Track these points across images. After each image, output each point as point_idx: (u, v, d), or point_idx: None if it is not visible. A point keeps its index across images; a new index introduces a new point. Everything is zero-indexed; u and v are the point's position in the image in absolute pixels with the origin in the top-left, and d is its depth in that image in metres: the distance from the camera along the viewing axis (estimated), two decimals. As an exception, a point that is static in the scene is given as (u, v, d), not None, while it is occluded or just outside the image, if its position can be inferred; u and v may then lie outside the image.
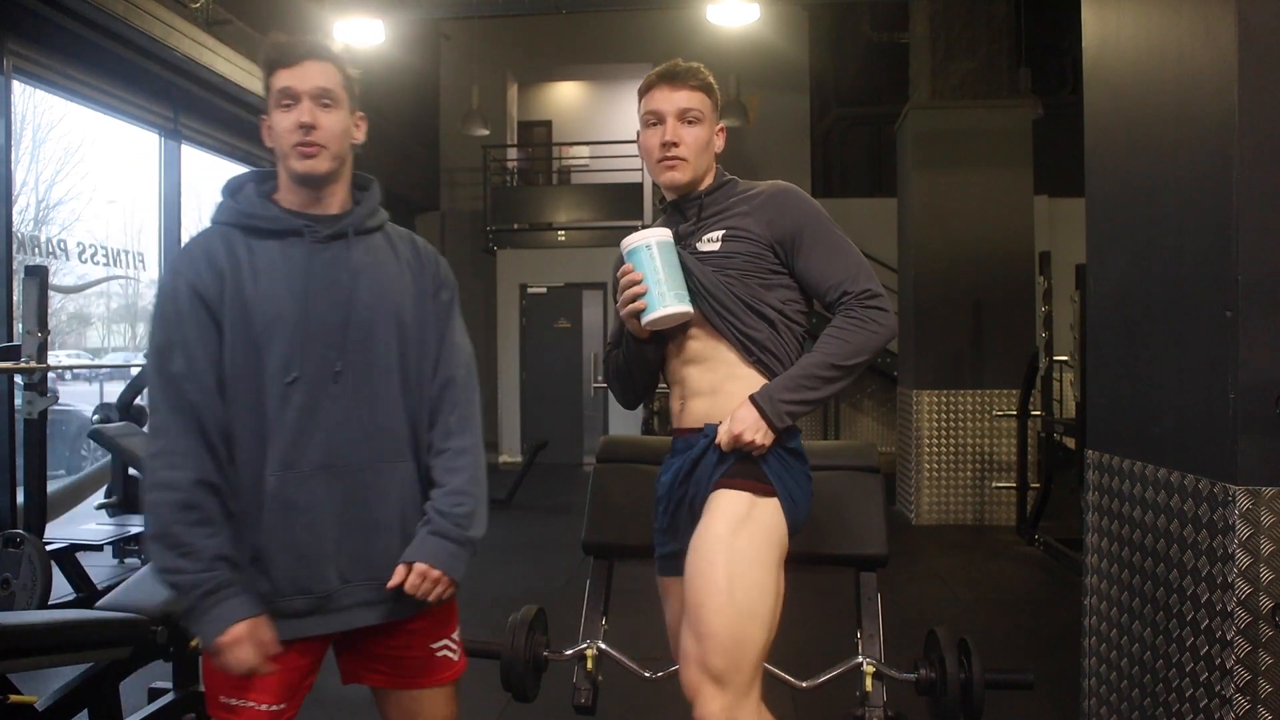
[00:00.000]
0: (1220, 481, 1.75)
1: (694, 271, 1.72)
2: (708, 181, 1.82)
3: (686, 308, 1.69)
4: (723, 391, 1.72)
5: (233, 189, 1.56)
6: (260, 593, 1.43)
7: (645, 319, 1.69)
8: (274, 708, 1.46)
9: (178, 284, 1.45)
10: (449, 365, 1.60)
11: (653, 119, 1.75)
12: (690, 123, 1.74)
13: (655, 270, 1.68)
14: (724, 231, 1.74)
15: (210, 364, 1.43)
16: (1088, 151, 2.39)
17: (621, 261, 1.77)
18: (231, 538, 1.42)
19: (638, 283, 1.68)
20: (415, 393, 1.56)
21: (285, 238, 1.49)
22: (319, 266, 1.49)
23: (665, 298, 1.67)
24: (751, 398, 1.64)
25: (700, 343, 1.75)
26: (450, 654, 1.62)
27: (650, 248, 1.68)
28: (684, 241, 1.77)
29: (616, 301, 1.79)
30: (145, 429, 5.12)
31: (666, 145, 1.73)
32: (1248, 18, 1.70)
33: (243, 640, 1.37)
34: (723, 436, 1.66)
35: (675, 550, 1.77)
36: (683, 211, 1.81)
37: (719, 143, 1.81)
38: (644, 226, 1.81)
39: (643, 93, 1.77)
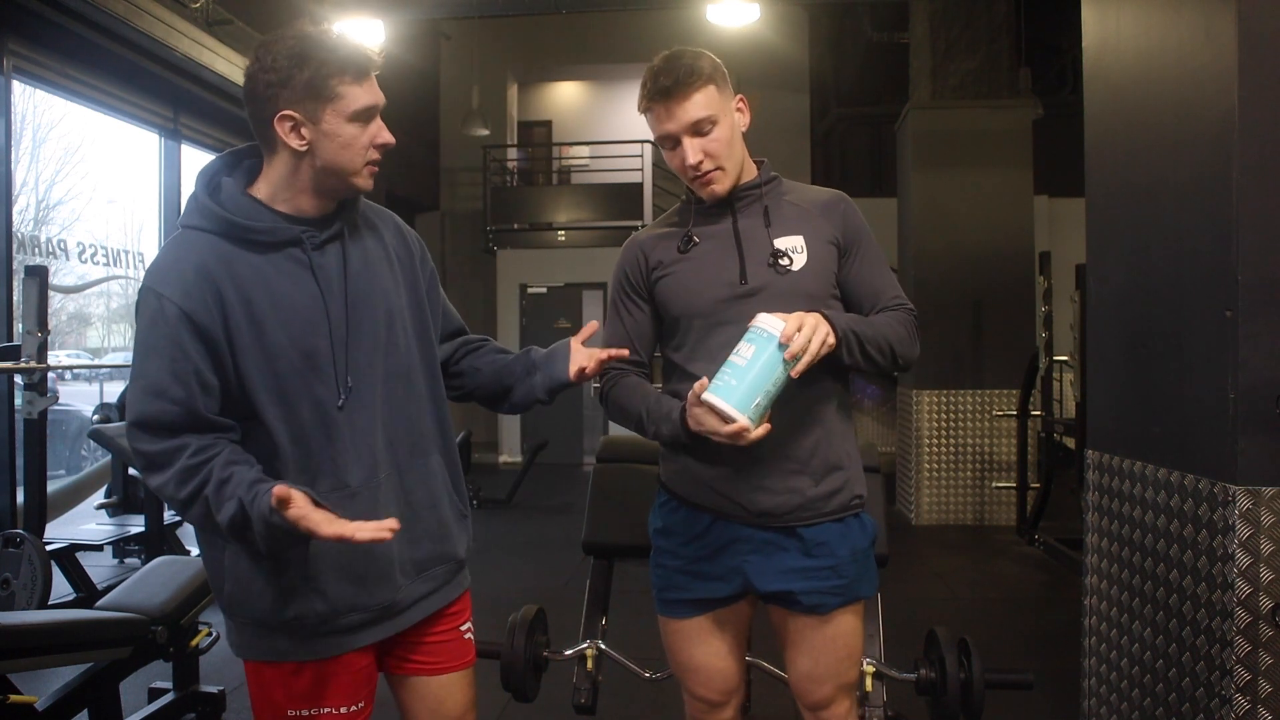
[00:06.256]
0: (1220, 481, 1.75)
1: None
2: (751, 171, 1.70)
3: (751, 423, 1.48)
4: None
5: (210, 186, 1.41)
6: (317, 612, 1.40)
7: (710, 396, 1.46)
8: (354, 708, 1.46)
9: (163, 307, 1.31)
10: (453, 320, 1.66)
11: (668, 142, 1.61)
12: (706, 132, 1.58)
13: (781, 381, 1.46)
14: (803, 238, 1.64)
15: (206, 392, 1.33)
16: (1088, 151, 2.39)
17: (636, 258, 1.72)
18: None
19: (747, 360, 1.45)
20: (435, 380, 1.56)
21: (283, 249, 1.38)
22: (324, 275, 1.40)
23: (759, 408, 1.46)
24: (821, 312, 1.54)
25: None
26: (471, 635, 1.64)
27: (786, 361, 1.44)
28: (748, 237, 1.65)
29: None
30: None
31: (694, 166, 1.60)
32: (1248, 18, 1.70)
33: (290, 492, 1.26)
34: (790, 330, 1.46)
35: (709, 596, 1.70)
36: (731, 204, 1.67)
37: (744, 120, 1.66)
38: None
39: (644, 112, 1.62)
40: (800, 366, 1.45)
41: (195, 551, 5.20)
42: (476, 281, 11.06)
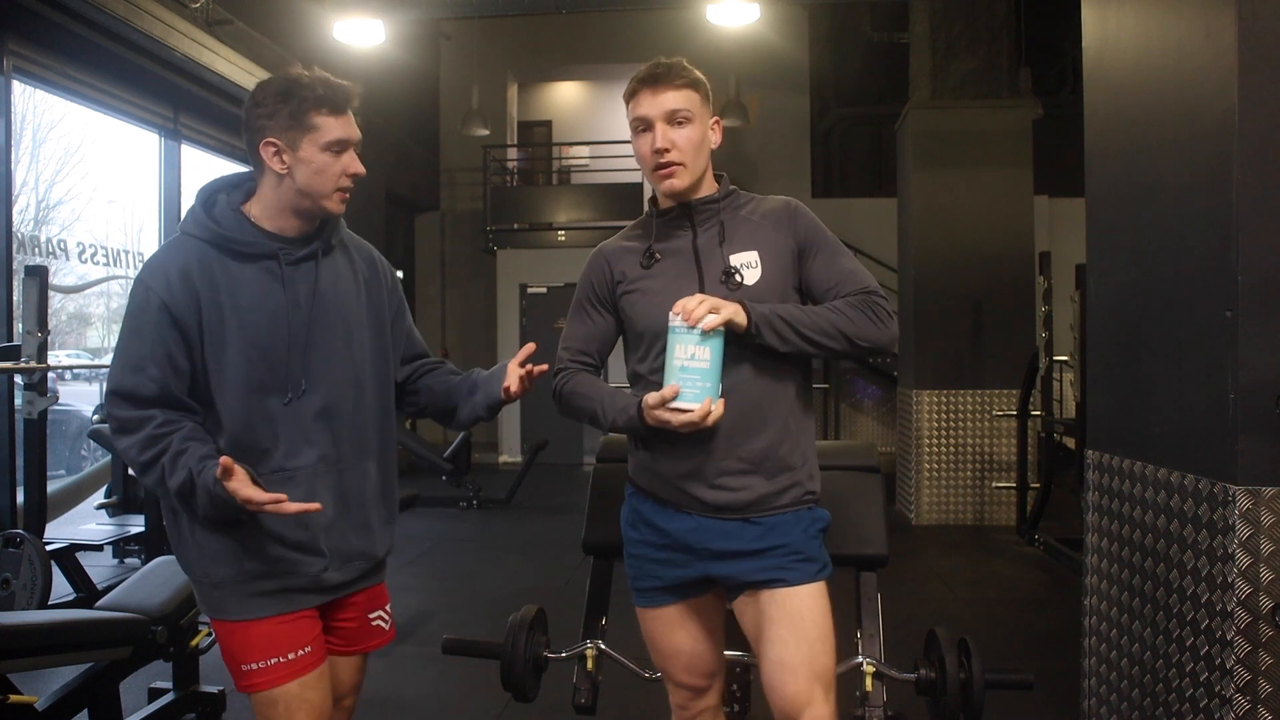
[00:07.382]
0: (1220, 481, 1.75)
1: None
2: (712, 186, 1.78)
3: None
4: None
5: (207, 201, 1.64)
6: (259, 573, 1.59)
7: (680, 402, 1.59)
8: (302, 652, 1.62)
9: (149, 298, 1.55)
10: (417, 345, 1.85)
11: (641, 125, 1.70)
12: (680, 124, 1.69)
13: (719, 360, 1.58)
14: (758, 253, 1.71)
15: (178, 375, 1.55)
16: (1088, 151, 2.39)
17: (602, 270, 1.79)
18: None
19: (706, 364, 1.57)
20: (385, 395, 1.75)
21: (260, 260, 1.60)
22: (292, 288, 1.61)
23: (714, 391, 1.59)
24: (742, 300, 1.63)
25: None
26: (383, 623, 1.82)
27: (720, 335, 1.57)
28: (707, 255, 1.73)
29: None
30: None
31: (659, 151, 1.68)
32: (1248, 18, 1.70)
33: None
34: (686, 305, 1.57)
35: (682, 579, 1.77)
36: (691, 219, 1.76)
37: (715, 138, 1.76)
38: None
39: (628, 99, 1.72)
40: (710, 323, 1.55)
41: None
42: (476, 281, 11.06)
